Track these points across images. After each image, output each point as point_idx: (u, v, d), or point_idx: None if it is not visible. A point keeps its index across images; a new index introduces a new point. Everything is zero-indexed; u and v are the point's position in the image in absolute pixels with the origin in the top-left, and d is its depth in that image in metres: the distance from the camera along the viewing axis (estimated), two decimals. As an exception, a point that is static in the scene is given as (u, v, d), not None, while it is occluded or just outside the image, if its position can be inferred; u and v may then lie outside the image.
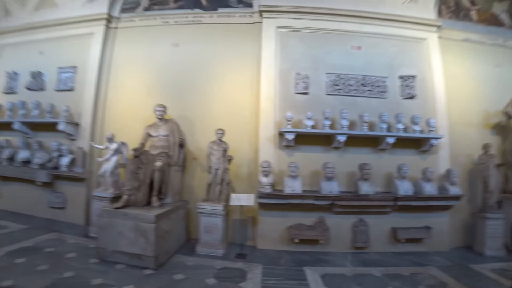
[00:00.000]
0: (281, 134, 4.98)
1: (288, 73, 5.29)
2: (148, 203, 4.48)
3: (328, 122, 4.84)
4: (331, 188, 4.63)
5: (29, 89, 7.18)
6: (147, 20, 6.44)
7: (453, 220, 5.17)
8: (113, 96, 6.49)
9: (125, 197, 4.31)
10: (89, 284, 3.22)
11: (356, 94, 5.23)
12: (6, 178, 6.51)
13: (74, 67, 6.80)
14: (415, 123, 5.01)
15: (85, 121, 6.39)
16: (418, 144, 5.21)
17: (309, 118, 4.85)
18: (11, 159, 6.56)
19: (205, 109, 5.72)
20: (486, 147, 5.24)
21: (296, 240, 4.65)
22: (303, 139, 5.03)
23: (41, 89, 7.11)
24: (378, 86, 5.28)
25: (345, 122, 4.83)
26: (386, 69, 5.44)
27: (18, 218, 5.85)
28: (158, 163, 4.60)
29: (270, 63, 5.34)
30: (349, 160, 5.02)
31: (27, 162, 6.39)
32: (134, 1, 6.66)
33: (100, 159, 5.56)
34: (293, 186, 4.63)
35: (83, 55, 6.71)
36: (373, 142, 5.11)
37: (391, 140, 4.83)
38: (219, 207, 4.54)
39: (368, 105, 5.15)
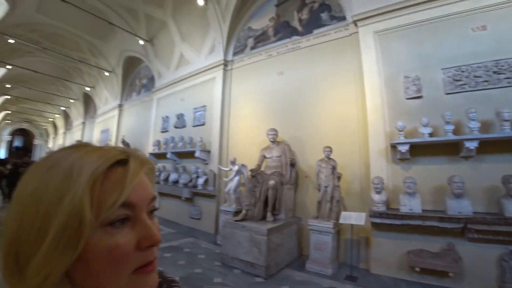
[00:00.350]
0: (393, 147, 4.55)
1: (395, 79, 4.83)
2: (263, 218, 5.05)
3: (450, 127, 4.04)
4: (461, 207, 3.78)
5: (175, 127, 9.48)
6: (254, 57, 7.41)
7: None
8: (233, 126, 7.71)
9: (243, 211, 5.07)
10: (211, 281, 4.06)
11: (488, 86, 4.08)
12: (163, 194, 8.85)
13: (204, 106, 8.53)
14: None
15: (214, 148, 7.83)
16: None
17: (425, 125, 4.22)
18: (166, 180, 8.86)
19: (313, 128, 5.95)
20: None
21: (417, 269, 4.00)
22: (421, 150, 4.41)
23: (183, 126, 9.23)
24: None
25: (474, 124, 3.86)
26: None
27: (169, 224, 7.94)
28: (271, 182, 5.15)
29: (372, 72, 5.06)
30: (486, 172, 3.94)
31: (176, 182, 8.47)
32: (242, 44, 7.83)
33: (226, 179, 6.65)
34: (410, 205, 4.10)
35: (210, 96, 8.34)
36: None
37: None
38: (328, 225, 4.56)
39: (508, 98, 3.94)
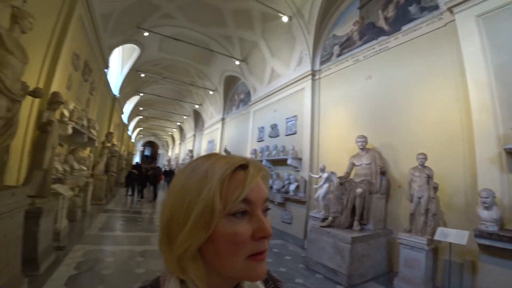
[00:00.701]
0: (510, 153, 3.81)
1: (508, 68, 4.01)
2: (350, 226, 5.02)
3: None
4: None
5: (270, 136, 10.21)
6: (341, 64, 7.37)
7: None
8: (323, 134, 7.83)
9: (330, 218, 5.19)
10: (293, 281, 4.39)
11: None
12: (259, 200, 9.77)
13: (295, 116, 8.94)
14: None
15: (305, 156, 8.11)
16: None
17: None
18: (261, 186, 9.79)
19: (406, 133, 5.50)
20: None
21: None
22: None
23: (277, 135, 9.87)
24: None
25: None
26: None
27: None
28: (359, 190, 5.10)
29: (477, 63, 4.33)
30: None
31: (270, 187, 9.06)
32: (328, 53, 7.90)
33: (315, 186, 6.84)
34: None
35: (300, 106, 8.70)
36: None
37: None
38: (422, 240, 4.14)
39: None
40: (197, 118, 21.46)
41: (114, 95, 13.09)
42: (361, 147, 5.86)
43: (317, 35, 8.08)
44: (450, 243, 3.84)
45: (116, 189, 15.26)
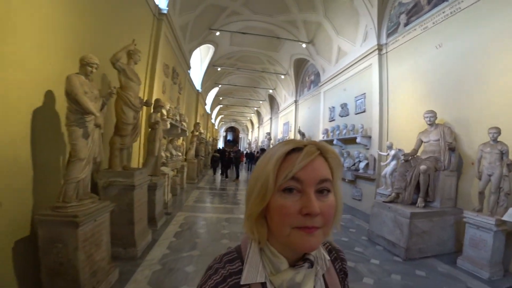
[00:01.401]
0: None
1: None
2: (414, 203, 4.98)
3: None
4: None
5: (340, 116, 10.22)
6: (408, 34, 6.82)
7: None
8: (392, 111, 7.52)
9: (393, 194, 5.27)
10: (353, 249, 4.85)
11: None
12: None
13: (364, 94, 8.74)
14: None
15: (374, 134, 7.98)
16: None
17: None
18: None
19: (482, 106, 4.93)
20: None
21: None
22: None
23: (347, 114, 9.82)
24: None
25: None
26: None
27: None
28: (423, 167, 4.99)
29: None
30: None
31: None
32: (395, 23, 7.35)
33: (383, 163, 6.77)
34: None
35: (368, 83, 8.46)
36: None
37: None
38: (490, 220, 3.89)
39: None
40: (272, 102, 22.34)
41: (198, 90, 15.05)
42: (429, 122, 5.52)
43: (381, 5, 7.56)
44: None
45: (205, 171, 17.66)
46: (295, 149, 0.57)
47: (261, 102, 24.64)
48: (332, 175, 0.58)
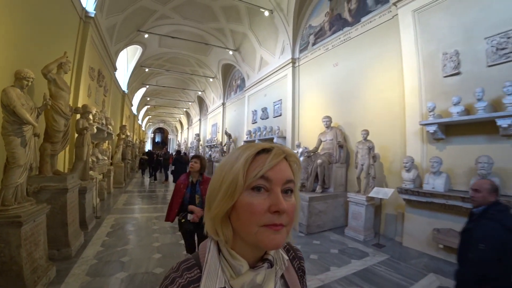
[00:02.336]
0: (427, 129, 4.48)
1: (434, 57, 4.59)
2: (314, 190, 5.88)
3: (482, 105, 3.70)
4: None
5: (261, 118, 10.97)
6: (315, 52, 7.96)
7: None
8: (302, 115, 8.58)
9: (299, 184, 6.05)
10: None
11: None
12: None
13: (280, 100, 9.66)
14: None
15: (288, 135, 8.93)
16: None
17: (455, 104, 4.00)
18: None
19: (361, 113, 6.21)
20: None
21: (440, 246, 4.02)
22: (456, 130, 4.22)
23: (267, 118, 10.63)
24: None
25: (509, 100, 3.46)
26: None
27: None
28: (318, 161, 5.93)
29: (411, 52, 4.94)
30: None
31: None
32: (306, 42, 8.45)
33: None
34: (434, 184, 4.10)
35: (284, 91, 9.39)
36: None
37: None
38: (362, 197, 5.03)
39: None
40: (201, 103, 22.26)
41: (124, 91, 14.03)
42: (326, 125, 6.60)
43: (296, 26, 8.60)
44: (381, 199, 4.77)
45: (133, 174, 16.58)
46: (263, 150, 0.58)
47: (190, 103, 24.24)
48: (293, 177, 0.60)
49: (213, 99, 18.46)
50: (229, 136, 14.19)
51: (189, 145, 25.89)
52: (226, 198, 0.55)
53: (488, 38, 3.97)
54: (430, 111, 4.34)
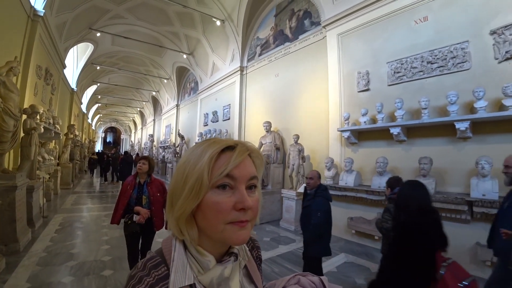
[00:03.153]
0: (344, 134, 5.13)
1: (351, 75, 5.29)
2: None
3: (381, 116, 4.45)
4: (381, 183, 4.24)
5: (212, 121, 11.07)
6: (260, 62, 8.39)
7: None
8: (248, 120, 8.92)
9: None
10: None
11: (423, 76, 4.24)
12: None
13: (229, 104, 9.88)
14: (508, 95, 3.29)
15: (235, 138, 9.12)
16: None
17: (363, 115, 4.71)
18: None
19: (296, 119, 6.77)
20: None
21: (353, 231, 4.69)
22: (365, 136, 4.92)
23: (217, 121, 10.77)
24: (453, 58, 3.95)
25: (399, 113, 4.22)
26: (467, 30, 3.89)
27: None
28: (257, 162, 6.27)
29: (334, 70, 5.60)
30: (415, 154, 4.11)
31: None
32: (253, 52, 8.86)
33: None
34: (346, 180, 4.75)
35: (232, 96, 9.65)
36: (450, 130, 3.84)
37: (462, 126, 3.57)
38: (293, 193, 5.56)
39: (442, 85, 4.02)
40: (156, 104, 21.48)
41: (72, 89, 12.95)
42: (266, 130, 7.02)
43: (245, 36, 8.96)
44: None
45: (81, 175, 15.34)
46: (228, 147, 0.55)
47: (144, 103, 23.18)
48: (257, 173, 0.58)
49: (168, 100, 17.98)
50: (182, 137, 13.97)
51: (142, 145, 24.68)
52: (190, 198, 0.52)
53: (389, 63, 4.74)
54: (345, 120, 4.99)
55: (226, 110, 10.12)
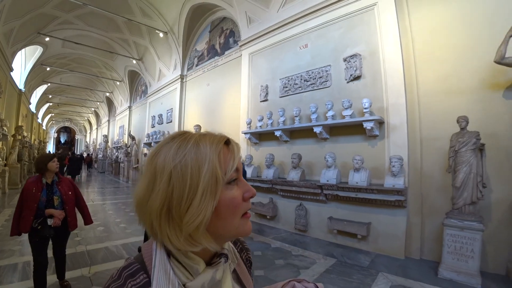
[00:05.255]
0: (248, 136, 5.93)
1: (256, 87, 6.11)
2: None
3: (270, 122, 5.34)
4: (268, 174, 5.09)
5: (158, 124, 11.29)
6: (197, 72, 8.97)
7: (421, 223, 3.77)
8: (186, 123, 9.40)
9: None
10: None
11: (301, 91, 5.16)
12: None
13: (171, 108, 10.25)
14: (346, 107, 4.19)
15: (175, 139, 9.54)
16: (363, 129, 4.09)
17: (259, 120, 5.54)
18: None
19: (221, 123, 7.44)
20: (460, 121, 3.29)
21: (253, 213, 5.41)
22: (264, 137, 5.72)
23: (162, 123, 11.04)
24: (320, 77, 4.91)
25: (281, 119, 5.09)
26: (330, 57, 4.79)
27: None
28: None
29: (245, 83, 6.40)
30: (296, 151, 4.96)
31: None
32: (192, 62, 9.41)
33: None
34: (249, 172, 5.50)
35: (174, 101, 10.05)
36: (314, 133, 4.68)
37: (318, 130, 4.53)
38: None
39: (313, 98, 4.95)
40: (110, 104, 20.78)
41: (20, 90, 12.23)
42: (195, 131, 7.56)
43: (185, 48, 9.47)
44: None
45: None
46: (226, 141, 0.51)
47: (98, 103, 22.22)
48: None
49: (121, 101, 17.61)
50: (133, 138, 13.88)
51: (97, 146, 23.53)
52: (208, 200, 0.45)
53: (281, 79, 5.63)
54: (248, 124, 5.78)
55: (169, 113, 10.48)
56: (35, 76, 13.79)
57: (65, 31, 10.23)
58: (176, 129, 9.67)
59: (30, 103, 15.95)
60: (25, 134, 12.70)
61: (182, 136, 0.50)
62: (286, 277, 3.32)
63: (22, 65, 12.00)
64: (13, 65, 9.66)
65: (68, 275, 2.91)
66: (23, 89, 12.53)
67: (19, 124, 11.90)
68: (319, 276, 3.29)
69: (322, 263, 3.69)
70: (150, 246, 0.51)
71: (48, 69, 13.39)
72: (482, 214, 3.29)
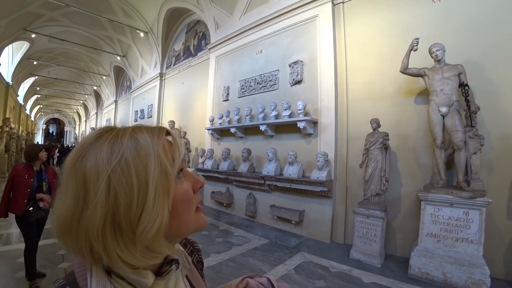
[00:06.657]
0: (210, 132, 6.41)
1: (220, 88, 6.60)
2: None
3: (227, 119, 5.85)
4: (224, 166, 5.67)
5: (140, 118, 11.60)
6: (174, 71, 9.36)
7: (345, 211, 4.30)
8: (164, 118, 9.84)
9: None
10: None
11: (255, 92, 5.66)
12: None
13: (152, 104, 10.61)
14: (285, 109, 4.73)
15: (154, 133, 9.90)
16: (299, 128, 4.59)
17: (220, 118, 6.05)
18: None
19: (193, 119, 7.93)
20: (372, 123, 3.81)
21: (213, 201, 6.05)
22: (225, 133, 6.26)
23: (143, 118, 11.37)
24: (270, 81, 5.41)
25: (236, 118, 5.64)
26: (279, 63, 5.29)
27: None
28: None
29: (212, 83, 6.87)
30: (249, 147, 5.49)
31: None
32: (170, 61, 9.79)
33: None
34: (207, 164, 6.07)
35: (154, 97, 10.43)
36: (262, 131, 5.15)
37: (263, 128, 5.04)
38: None
39: (263, 99, 5.44)
40: (98, 97, 20.87)
41: (8, 83, 12.36)
42: (170, 127, 7.95)
43: (164, 47, 9.83)
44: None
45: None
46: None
47: (87, 96, 22.24)
48: None
49: (108, 95, 17.80)
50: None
51: (86, 138, 23.40)
52: (161, 200, 0.37)
53: (240, 81, 6.13)
54: (210, 122, 6.27)
55: (150, 109, 10.83)
56: (23, 69, 13.95)
57: (51, 28, 10.45)
58: (155, 124, 10.02)
59: (17, 95, 16.00)
60: (13, 125, 12.87)
61: (111, 132, 0.41)
62: (219, 250, 3.88)
63: (9, 59, 12.10)
64: (1, 60, 9.79)
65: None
66: (10, 82, 12.66)
67: (7, 116, 12.15)
68: (246, 251, 3.82)
69: (255, 242, 4.23)
70: (82, 264, 0.42)
71: (35, 63, 13.52)
72: (393, 205, 3.83)
